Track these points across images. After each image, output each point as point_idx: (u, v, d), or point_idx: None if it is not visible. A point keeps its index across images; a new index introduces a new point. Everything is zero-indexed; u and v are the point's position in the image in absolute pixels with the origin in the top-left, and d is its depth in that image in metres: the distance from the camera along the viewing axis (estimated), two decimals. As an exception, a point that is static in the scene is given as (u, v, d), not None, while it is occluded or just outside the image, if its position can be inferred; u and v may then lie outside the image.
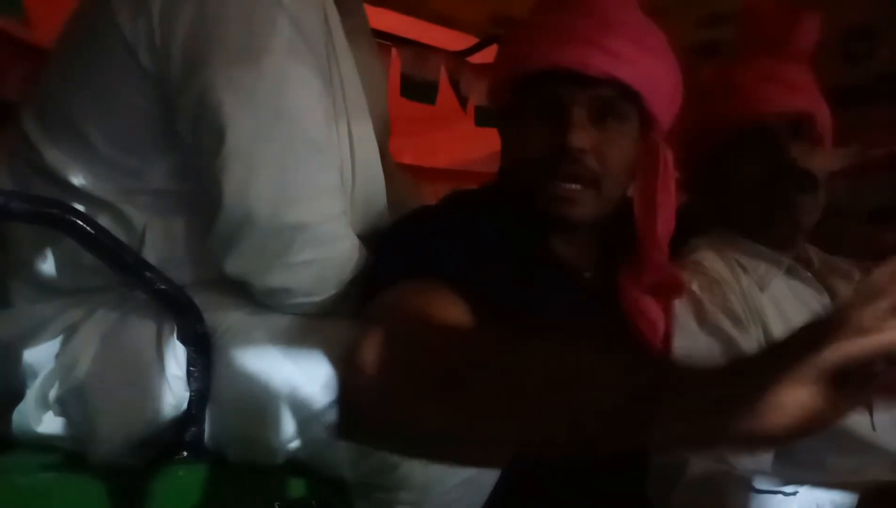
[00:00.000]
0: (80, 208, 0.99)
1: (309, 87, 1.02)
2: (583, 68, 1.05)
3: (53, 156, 1.04)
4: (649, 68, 1.09)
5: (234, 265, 1.01)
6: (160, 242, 1.04)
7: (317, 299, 1.04)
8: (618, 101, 1.08)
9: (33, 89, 1.12)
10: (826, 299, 1.27)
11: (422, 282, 0.95)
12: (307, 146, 1.01)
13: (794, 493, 0.87)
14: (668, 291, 1.15)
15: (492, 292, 1.02)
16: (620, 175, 1.11)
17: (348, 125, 1.13)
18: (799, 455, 1.08)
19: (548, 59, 1.07)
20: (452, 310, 0.91)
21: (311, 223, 1.00)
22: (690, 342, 1.13)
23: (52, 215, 0.93)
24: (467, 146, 2.98)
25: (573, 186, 1.07)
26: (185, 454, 0.99)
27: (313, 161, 1.02)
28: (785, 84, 1.27)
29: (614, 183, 1.11)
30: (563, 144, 1.05)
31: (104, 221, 1.00)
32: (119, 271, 0.98)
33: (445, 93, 2.51)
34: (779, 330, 1.16)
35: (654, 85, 1.10)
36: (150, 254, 1.02)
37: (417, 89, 2.44)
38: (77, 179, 1.03)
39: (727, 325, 1.13)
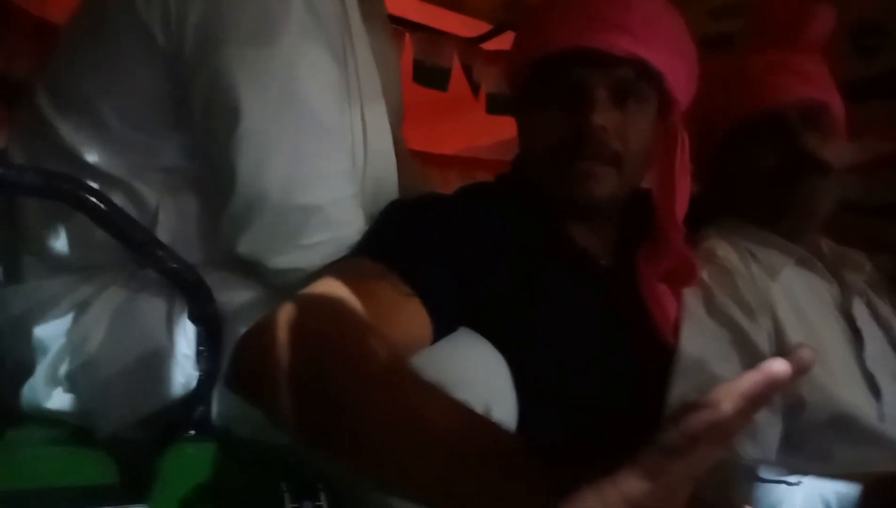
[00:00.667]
0: (95, 181, 1.01)
1: (323, 69, 1.03)
2: (606, 48, 1.04)
3: (66, 132, 1.04)
4: (669, 49, 1.09)
5: (246, 246, 1.01)
6: (172, 220, 1.04)
7: None
8: (638, 81, 1.08)
9: (47, 66, 1.13)
10: (836, 290, 1.26)
11: (366, 264, 0.93)
12: (320, 128, 1.01)
13: (798, 483, 0.87)
14: (681, 278, 1.15)
15: (489, 282, 1.01)
16: (640, 155, 1.11)
17: (361, 109, 1.13)
18: (805, 445, 1.08)
19: (570, 39, 1.06)
20: (381, 302, 0.88)
21: (324, 205, 1.00)
22: (699, 329, 1.12)
23: (65, 191, 0.94)
24: (478, 134, 2.97)
25: (594, 163, 1.07)
26: (192, 432, 1.00)
27: (326, 144, 1.02)
28: (798, 73, 1.26)
29: (635, 163, 1.11)
30: (585, 124, 1.05)
31: (117, 198, 1.01)
32: (130, 248, 0.99)
33: (457, 80, 2.51)
34: (789, 319, 1.16)
35: (673, 66, 1.10)
36: (163, 232, 1.02)
37: (430, 75, 2.44)
38: (90, 156, 1.03)
39: (737, 314, 1.13)
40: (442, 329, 0.92)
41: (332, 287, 0.85)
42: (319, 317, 0.81)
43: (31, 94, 1.09)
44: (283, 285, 1.04)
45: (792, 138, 1.23)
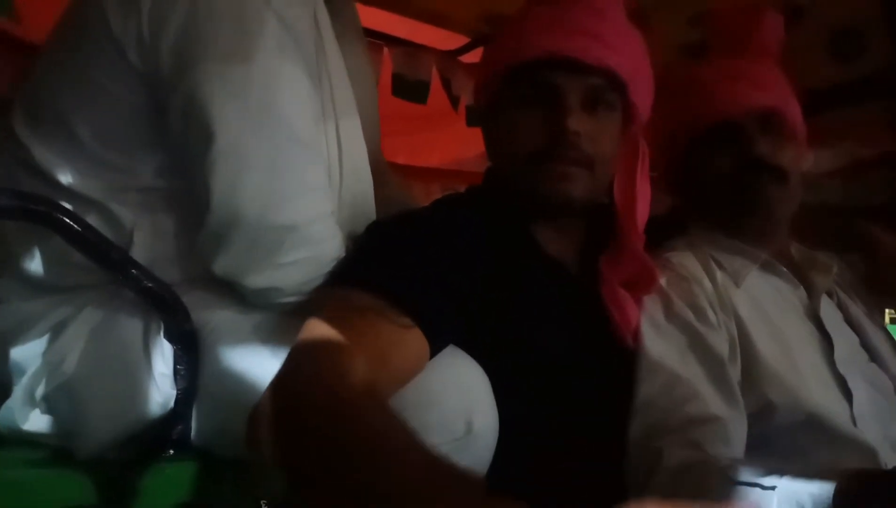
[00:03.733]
0: (69, 206, 1.00)
1: (298, 86, 1.03)
2: (581, 56, 1.09)
3: (42, 154, 1.04)
4: (635, 61, 1.15)
5: (223, 266, 1.01)
6: (149, 240, 1.04)
7: (306, 298, 1.05)
8: (607, 90, 1.13)
9: (23, 87, 1.13)
10: (803, 294, 1.28)
11: (360, 298, 0.94)
12: (296, 146, 1.01)
13: (773, 487, 0.87)
14: (642, 285, 1.18)
15: (471, 293, 1.04)
16: (609, 161, 1.16)
17: (336, 126, 1.13)
18: (779, 446, 1.09)
19: (546, 47, 1.10)
20: (374, 338, 0.89)
21: (301, 223, 1.00)
22: (658, 334, 1.15)
23: (40, 213, 0.94)
24: (459, 146, 2.98)
25: (569, 166, 1.11)
26: (171, 451, 1.00)
27: (302, 161, 1.02)
28: (751, 81, 1.29)
29: (604, 167, 1.15)
30: (559, 128, 1.09)
31: (93, 219, 1.01)
32: (106, 268, 0.99)
33: (437, 92, 2.52)
34: (754, 324, 1.19)
35: (637, 77, 1.15)
36: (139, 252, 1.02)
37: (409, 89, 2.45)
38: (66, 178, 1.03)
39: (693, 319, 1.16)
40: (438, 349, 0.95)
41: (326, 335, 0.86)
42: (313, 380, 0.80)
43: (8, 115, 1.09)
44: (262, 305, 1.05)
45: (747, 145, 1.26)
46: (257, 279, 1.01)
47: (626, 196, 1.18)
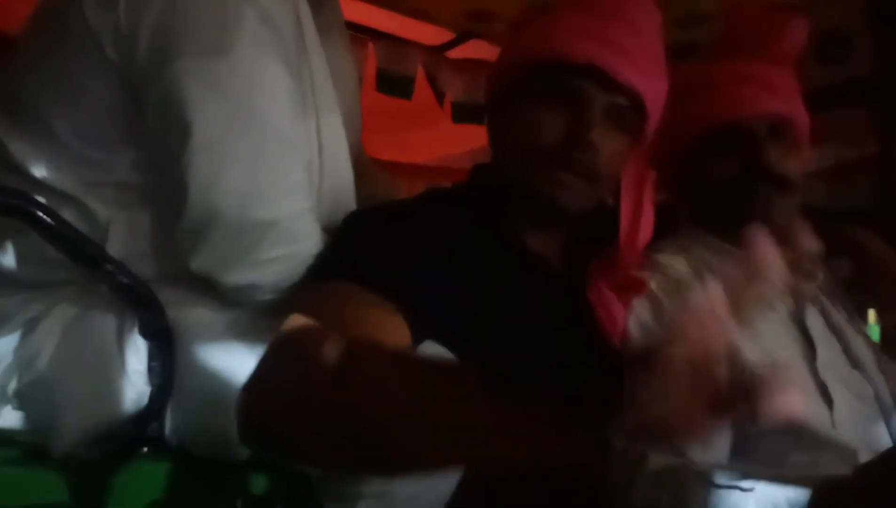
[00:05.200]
0: (47, 198, 0.99)
1: (278, 81, 1.02)
2: (614, 72, 1.08)
3: (18, 148, 1.03)
4: (659, 89, 1.15)
5: (200, 262, 1.00)
6: (124, 236, 1.03)
7: (283, 295, 1.04)
8: (628, 111, 1.12)
9: (0, 81, 1.11)
10: (790, 299, 1.27)
11: (340, 287, 0.93)
12: (276, 142, 1.00)
13: (751, 490, 0.88)
14: (630, 290, 1.18)
15: (455, 289, 1.03)
16: (613, 179, 1.16)
17: (317, 122, 1.12)
18: (758, 451, 1.09)
19: (583, 53, 1.09)
20: (370, 323, 0.89)
21: (280, 220, 0.99)
22: (646, 336, 1.15)
23: (14, 206, 0.93)
24: (444, 143, 2.98)
25: (575, 177, 1.10)
26: (146, 449, 0.99)
27: (282, 157, 1.01)
28: (765, 86, 1.27)
29: (607, 184, 1.15)
30: (580, 136, 1.08)
31: (68, 215, 0.99)
32: (80, 264, 0.98)
33: (422, 88, 2.51)
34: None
35: (657, 104, 1.15)
36: (115, 248, 1.01)
37: (394, 84, 2.44)
38: (41, 172, 1.02)
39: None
40: (418, 342, 0.93)
41: (307, 324, 0.84)
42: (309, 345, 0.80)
43: None
44: (238, 302, 1.04)
45: (755, 151, 1.24)
46: (235, 276, 1.00)
47: (631, 221, 1.17)
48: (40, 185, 1.02)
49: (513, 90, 1.17)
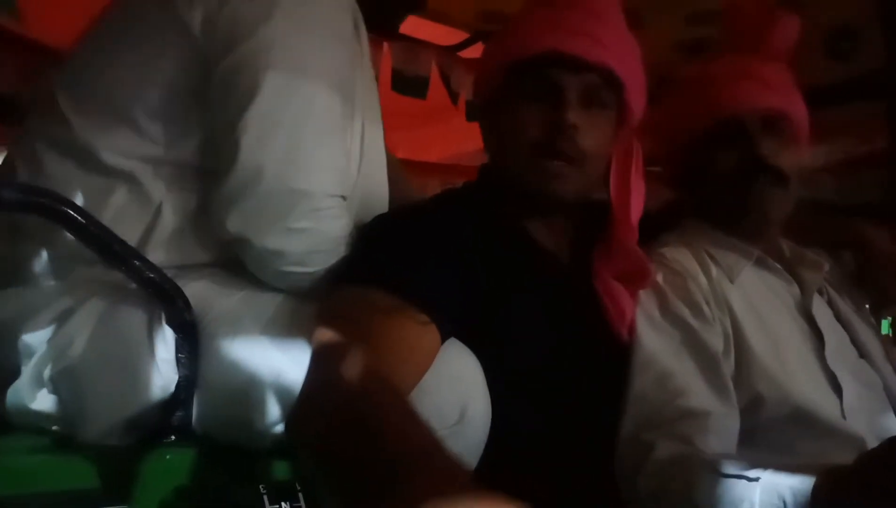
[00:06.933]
0: (99, 180, 1.07)
1: (342, 72, 1.10)
2: (582, 54, 1.13)
3: (81, 125, 1.08)
4: (631, 64, 1.19)
5: (237, 223, 1.04)
6: (175, 216, 1.09)
7: (306, 269, 1.08)
8: (604, 88, 1.17)
9: (67, 64, 1.18)
10: (796, 290, 1.30)
11: (369, 294, 0.99)
12: (325, 123, 1.07)
13: (757, 479, 0.89)
14: (636, 280, 1.21)
15: (473, 287, 1.08)
16: (602, 157, 1.20)
17: (362, 125, 1.18)
18: (767, 439, 1.11)
19: (549, 44, 1.14)
20: (395, 329, 0.95)
21: (314, 192, 1.04)
22: (654, 328, 1.17)
23: (43, 205, 0.96)
24: (458, 141, 3.00)
25: (563, 163, 1.14)
26: (172, 437, 1.02)
27: (327, 137, 1.07)
28: (760, 81, 1.30)
29: (596, 163, 1.19)
30: (558, 121, 1.13)
31: (122, 194, 1.06)
32: (108, 259, 1.01)
33: (436, 88, 2.53)
34: (747, 319, 1.20)
35: (632, 79, 1.19)
36: (164, 228, 1.08)
37: (409, 84, 2.47)
38: (104, 148, 1.07)
39: (688, 315, 1.17)
40: (444, 340, 1.00)
41: (349, 340, 0.90)
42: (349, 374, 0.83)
43: (46, 92, 1.13)
44: (262, 275, 1.09)
45: (750, 145, 1.26)
46: (266, 240, 1.05)
47: (621, 193, 1.21)
48: (97, 163, 1.07)
49: (496, 92, 1.22)
